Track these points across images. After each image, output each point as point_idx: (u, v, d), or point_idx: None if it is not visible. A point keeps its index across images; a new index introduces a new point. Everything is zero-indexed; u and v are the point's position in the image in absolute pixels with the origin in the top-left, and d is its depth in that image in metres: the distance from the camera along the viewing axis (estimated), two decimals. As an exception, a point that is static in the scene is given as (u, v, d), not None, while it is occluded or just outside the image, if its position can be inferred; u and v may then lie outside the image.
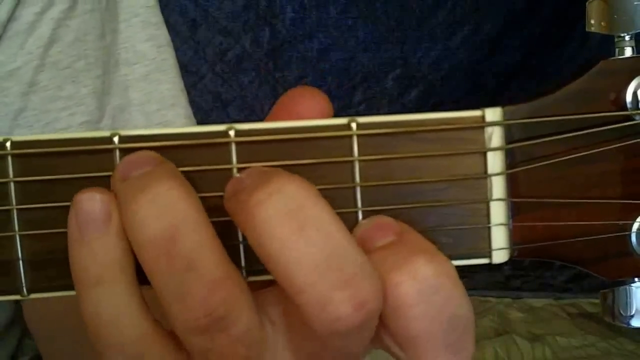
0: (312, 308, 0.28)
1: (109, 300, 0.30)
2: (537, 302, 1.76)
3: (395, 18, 1.72)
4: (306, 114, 0.33)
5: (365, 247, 0.30)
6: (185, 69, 1.71)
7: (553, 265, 1.84)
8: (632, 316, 0.35)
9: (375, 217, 0.32)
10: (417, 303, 0.29)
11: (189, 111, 0.62)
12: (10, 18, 0.55)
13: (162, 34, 0.62)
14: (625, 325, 0.35)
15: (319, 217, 0.28)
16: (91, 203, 0.30)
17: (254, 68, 1.72)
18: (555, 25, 1.70)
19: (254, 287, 0.31)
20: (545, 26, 1.71)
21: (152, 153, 0.31)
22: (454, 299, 0.30)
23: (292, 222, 0.28)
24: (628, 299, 0.35)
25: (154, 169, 0.30)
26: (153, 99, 0.60)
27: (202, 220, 0.29)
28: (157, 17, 0.62)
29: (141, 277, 0.30)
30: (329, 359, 0.31)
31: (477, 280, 1.76)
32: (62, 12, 0.56)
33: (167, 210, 0.28)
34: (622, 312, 0.35)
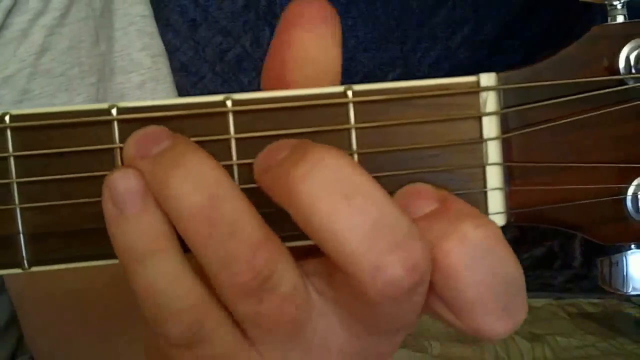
0: (364, 275, 0.28)
1: (161, 270, 0.30)
2: (537, 302, 1.76)
3: (395, 18, 1.72)
4: (309, 38, 0.32)
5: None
6: (185, 69, 1.71)
7: (553, 265, 1.84)
8: (628, 283, 0.35)
9: (412, 185, 0.32)
10: (469, 269, 0.29)
11: None
12: (2, 26, 0.55)
13: (157, 44, 0.62)
14: (622, 293, 0.35)
15: (362, 185, 0.28)
16: (126, 181, 0.30)
17: (254, 68, 1.71)
18: (555, 25, 1.70)
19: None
20: (545, 26, 1.71)
21: (161, 127, 0.31)
22: (505, 260, 0.30)
23: (337, 193, 0.28)
24: (625, 266, 0.35)
25: (174, 143, 0.30)
26: None
27: (236, 187, 0.29)
28: (151, 27, 0.62)
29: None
30: (381, 328, 0.31)
31: (477, 280, 1.75)
32: (54, 19, 0.56)
33: (203, 182, 0.29)
34: (618, 279, 0.35)
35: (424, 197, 0.31)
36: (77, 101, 0.57)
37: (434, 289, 0.30)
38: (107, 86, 0.59)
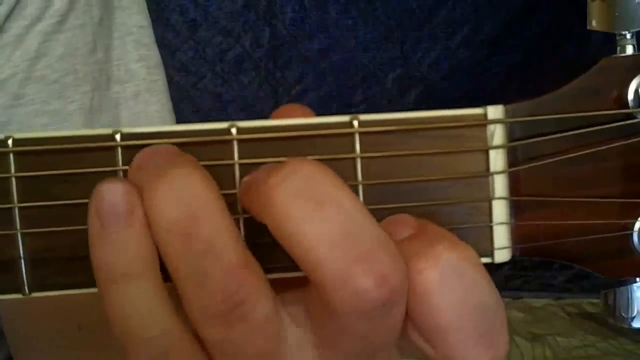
0: (332, 284, 0.28)
1: (136, 295, 0.29)
2: (537, 302, 1.76)
3: (395, 18, 1.72)
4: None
5: None
6: (185, 69, 1.71)
7: (553, 265, 1.84)
8: (633, 317, 0.34)
9: (390, 216, 0.32)
10: (442, 289, 0.29)
11: None
12: (0, 30, 0.54)
13: (154, 55, 0.62)
14: (627, 326, 0.34)
15: (334, 193, 0.28)
16: (113, 194, 0.29)
17: (254, 68, 1.71)
18: (555, 25, 1.70)
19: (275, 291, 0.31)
20: (545, 26, 1.71)
21: (171, 146, 0.31)
22: (480, 285, 0.29)
23: (309, 200, 0.28)
24: (629, 299, 0.34)
25: (172, 157, 0.30)
26: (141, 119, 0.60)
27: (221, 206, 0.29)
28: (149, 37, 0.62)
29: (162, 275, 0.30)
30: (354, 351, 0.30)
31: (477, 280, 1.75)
32: (51, 25, 0.56)
33: (186, 194, 0.28)
34: (623, 312, 0.35)
35: (403, 224, 0.31)
36: (70, 109, 0.57)
37: (409, 313, 0.29)
38: (103, 95, 0.58)
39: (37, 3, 0.55)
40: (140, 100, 0.60)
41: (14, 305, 0.56)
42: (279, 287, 0.31)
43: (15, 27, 0.55)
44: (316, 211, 0.28)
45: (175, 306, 0.30)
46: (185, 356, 0.30)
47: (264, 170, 0.30)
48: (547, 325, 1.71)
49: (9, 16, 0.54)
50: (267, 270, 0.31)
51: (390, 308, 0.28)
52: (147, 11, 0.62)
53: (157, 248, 0.30)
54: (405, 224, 0.31)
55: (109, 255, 0.29)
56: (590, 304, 1.75)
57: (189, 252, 0.28)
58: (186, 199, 0.28)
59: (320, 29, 1.72)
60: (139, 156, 0.31)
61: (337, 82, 1.72)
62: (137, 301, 0.29)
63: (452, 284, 0.29)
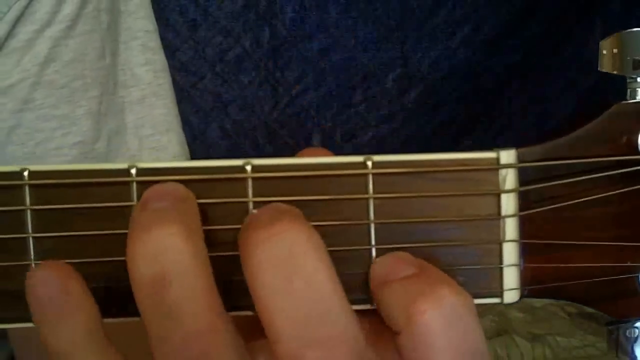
0: (282, 359, 0.28)
1: None
2: (537, 302, 1.76)
3: (395, 18, 1.72)
4: None
5: (387, 280, 0.31)
6: (185, 69, 1.71)
7: (553, 265, 1.83)
8: (634, 354, 0.36)
9: (395, 252, 0.32)
10: (442, 330, 0.29)
11: (183, 137, 0.63)
12: (9, 35, 0.55)
13: (159, 59, 0.62)
14: None
15: (310, 269, 0.28)
16: (43, 286, 0.30)
17: (254, 68, 1.71)
18: (555, 25, 1.70)
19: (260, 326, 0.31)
20: (545, 26, 1.71)
21: (177, 187, 0.31)
22: (475, 331, 0.30)
23: (282, 270, 0.28)
24: (631, 337, 0.36)
25: (169, 206, 0.30)
26: (147, 123, 0.60)
27: (198, 270, 0.29)
28: (155, 41, 0.62)
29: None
30: None
31: (477, 280, 1.75)
32: (60, 31, 0.56)
33: (161, 256, 0.28)
34: (625, 349, 0.36)
35: (405, 262, 0.32)
36: (79, 113, 0.57)
37: (402, 350, 0.30)
38: (110, 99, 0.59)
39: (47, 8, 0.55)
40: (146, 104, 0.60)
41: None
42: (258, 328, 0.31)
43: (25, 32, 0.55)
44: (285, 284, 0.28)
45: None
46: None
47: (264, 214, 0.30)
48: (547, 325, 1.71)
49: (18, 21, 0.54)
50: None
51: None
52: (153, 16, 0.62)
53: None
54: (408, 262, 0.32)
55: (50, 336, 0.30)
56: (590, 304, 1.75)
57: (153, 312, 0.29)
58: (159, 260, 0.28)
59: (320, 29, 1.72)
60: (146, 194, 0.31)
61: (337, 82, 1.72)
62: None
63: (451, 327, 0.29)
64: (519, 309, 1.81)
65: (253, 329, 0.31)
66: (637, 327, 0.35)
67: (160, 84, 0.60)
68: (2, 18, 0.53)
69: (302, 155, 0.34)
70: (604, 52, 0.35)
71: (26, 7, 0.53)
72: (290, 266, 0.28)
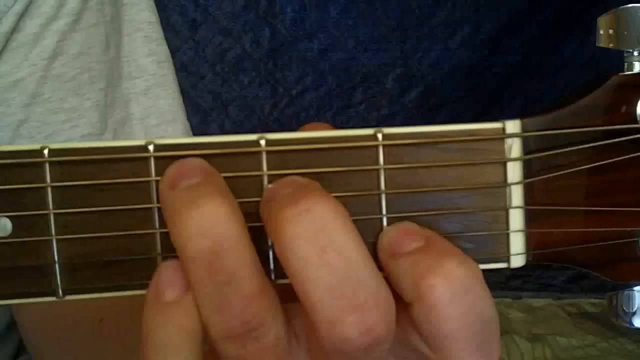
0: (322, 326, 0.29)
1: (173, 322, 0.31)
2: (537, 302, 1.76)
3: (395, 18, 1.72)
4: None
5: (395, 252, 0.32)
6: (185, 69, 1.71)
7: (553, 265, 1.83)
8: (634, 317, 0.37)
9: (400, 223, 0.33)
10: (451, 303, 0.30)
11: (188, 127, 0.63)
12: (15, 29, 0.55)
13: (163, 50, 0.63)
14: (628, 326, 0.36)
15: (341, 241, 0.30)
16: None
17: (254, 68, 1.72)
18: (555, 25, 1.70)
19: (283, 297, 0.32)
20: (545, 26, 1.72)
21: (202, 162, 0.32)
22: (484, 300, 0.31)
23: (315, 243, 0.29)
24: (631, 302, 0.37)
25: (203, 181, 0.31)
26: (153, 113, 0.61)
27: (244, 238, 0.30)
28: (158, 33, 0.63)
29: None
30: None
31: (477, 280, 1.75)
32: (67, 24, 0.56)
33: (213, 228, 0.30)
34: (625, 313, 0.37)
35: (412, 234, 0.33)
36: (86, 105, 0.57)
37: (413, 322, 0.31)
38: (115, 91, 0.59)
39: (52, 2, 0.56)
40: (151, 95, 0.61)
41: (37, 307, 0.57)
42: (288, 295, 0.32)
43: (31, 25, 0.55)
44: (319, 256, 0.29)
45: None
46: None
47: (285, 188, 0.31)
48: (547, 325, 1.71)
49: (23, 14, 0.55)
50: (277, 276, 0.33)
51: (372, 352, 0.30)
52: (155, 7, 0.62)
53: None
54: (414, 235, 0.32)
55: (158, 327, 0.31)
56: (590, 304, 1.75)
57: (212, 281, 0.30)
58: (213, 232, 0.30)
59: (320, 29, 1.72)
60: (171, 172, 0.32)
61: (337, 82, 1.72)
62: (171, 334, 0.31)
63: (460, 298, 0.31)
64: (519, 309, 1.81)
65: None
66: (635, 291, 0.36)
67: (164, 75, 0.61)
68: (7, 11, 0.53)
69: (305, 130, 0.35)
70: (601, 29, 0.36)
71: (31, 0, 0.54)
72: (322, 238, 0.29)
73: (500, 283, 1.81)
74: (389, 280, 0.32)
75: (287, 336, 0.32)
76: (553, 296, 1.79)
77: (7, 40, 0.55)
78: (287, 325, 0.32)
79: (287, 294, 0.32)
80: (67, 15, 0.56)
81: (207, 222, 0.30)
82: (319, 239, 0.29)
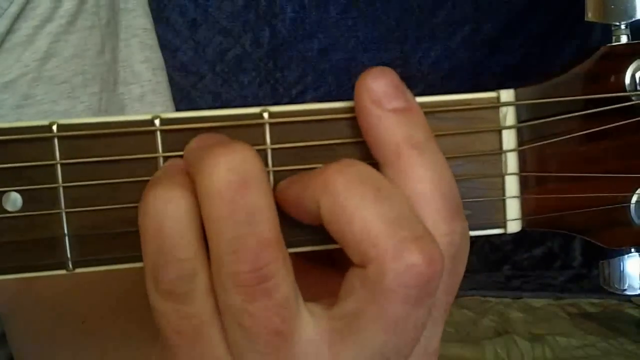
0: (387, 258, 0.30)
1: (172, 210, 0.31)
2: (537, 302, 1.76)
3: (395, 18, 1.72)
4: None
5: (379, 104, 0.33)
6: (185, 69, 1.71)
7: (553, 265, 1.84)
8: (624, 284, 0.38)
9: (383, 70, 0.34)
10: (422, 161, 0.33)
11: None
12: (10, 30, 0.55)
13: (157, 57, 0.63)
14: (620, 294, 0.37)
15: (386, 183, 0.31)
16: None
17: (254, 68, 1.72)
18: (555, 25, 1.70)
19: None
20: (545, 26, 1.72)
21: (223, 135, 0.33)
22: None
23: (368, 185, 0.31)
24: (622, 269, 0.38)
25: (226, 137, 0.33)
26: None
27: (268, 184, 0.31)
28: (153, 40, 0.63)
29: None
30: (370, 356, 0.32)
31: (477, 281, 1.76)
32: (61, 26, 0.56)
33: (242, 165, 0.30)
34: (616, 281, 0.38)
35: (396, 92, 0.34)
36: (79, 109, 0.57)
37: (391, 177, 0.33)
38: (110, 96, 0.59)
39: (47, 3, 0.55)
40: (145, 102, 0.61)
41: (15, 300, 0.56)
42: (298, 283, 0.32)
43: (25, 27, 0.55)
44: (374, 194, 0.31)
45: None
46: (207, 287, 0.32)
47: (309, 172, 0.32)
48: (547, 325, 1.72)
49: (18, 16, 0.55)
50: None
51: (426, 292, 0.31)
52: (150, 14, 0.62)
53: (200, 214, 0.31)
54: (399, 93, 0.33)
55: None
56: (590, 304, 1.75)
57: (232, 218, 0.30)
58: (241, 168, 0.30)
59: (320, 29, 1.72)
60: (197, 138, 0.33)
61: (337, 82, 1.72)
62: (173, 217, 0.31)
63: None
64: (519, 309, 1.81)
65: None
66: (626, 257, 0.37)
67: (158, 82, 0.61)
68: (2, 13, 0.53)
69: None
70: (589, 4, 0.37)
71: (27, 2, 0.54)
72: (373, 181, 0.31)
73: (500, 283, 1.81)
74: (365, 132, 0.33)
75: (297, 304, 0.31)
76: (553, 296, 1.79)
77: (2, 42, 0.55)
78: (299, 296, 0.32)
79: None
80: (62, 17, 0.56)
81: (237, 160, 0.30)
82: (370, 182, 0.31)
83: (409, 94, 0.33)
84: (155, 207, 0.31)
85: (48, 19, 0.56)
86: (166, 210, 0.31)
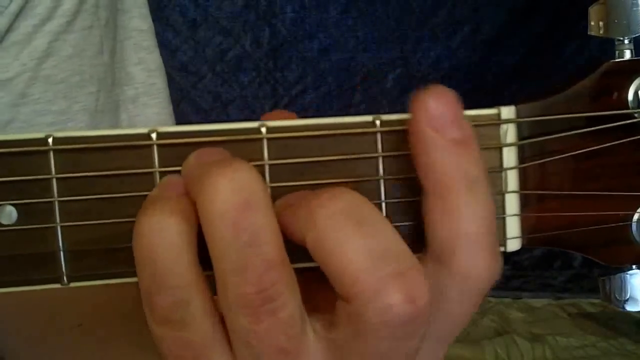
0: (365, 296, 0.30)
1: (166, 233, 0.31)
2: (537, 302, 1.76)
3: (395, 18, 1.72)
4: None
5: (438, 131, 0.32)
6: (185, 69, 1.71)
7: (553, 265, 1.84)
8: (626, 301, 0.37)
9: (444, 92, 0.33)
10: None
11: None
12: (9, 28, 0.55)
13: (153, 58, 0.63)
14: (621, 309, 0.37)
15: (373, 216, 0.31)
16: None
17: (254, 68, 1.72)
18: (555, 25, 1.70)
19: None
20: (545, 26, 1.72)
21: (221, 149, 0.33)
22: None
23: (352, 219, 0.30)
24: (623, 285, 0.37)
25: (227, 155, 0.32)
26: (140, 122, 0.61)
27: (270, 204, 0.31)
28: (149, 41, 0.62)
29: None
30: None
31: (477, 280, 1.75)
32: (60, 25, 0.56)
33: (244, 186, 0.30)
34: (617, 297, 0.38)
35: (454, 120, 0.33)
36: (75, 109, 0.57)
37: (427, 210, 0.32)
38: (107, 96, 0.59)
39: (47, 2, 0.55)
40: (139, 103, 0.61)
41: (5, 299, 0.57)
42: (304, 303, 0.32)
43: (24, 25, 0.55)
44: (356, 229, 0.30)
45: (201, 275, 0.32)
46: (204, 311, 0.31)
47: (302, 195, 0.32)
48: (547, 325, 1.71)
49: (18, 15, 0.55)
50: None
51: (412, 328, 0.30)
52: (148, 15, 0.62)
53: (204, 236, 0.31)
54: (457, 120, 0.33)
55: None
56: (590, 304, 1.75)
57: (236, 240, 0.30)
58: (243, 189, 0.30)
59: (320, 29, 1.72)
60: (193, 155, 0.32)
61: (337, 82, 1.72)
62: (167, 241, 0.31)
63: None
64: (519, 309, 1.81)
65: None
66: (628, 274, 0.37)
67: (153, 84, 0.61)
68: (3, 12, 0.53)
69: (265, 119, 0.35)
70: (592, 18, 0.37)
71: (27, 1, 0.54)
72: (358, 215, 0.30)
73: (500, 283, 1.80)
74: (415, 158, 0.32)
75: (303, 322, 0.31)
76: (553, 296, 1.79)
77: (1, 40, 0.55)
78: (304, 313, 0.32)
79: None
80: (62, 16, 0.56)
81: (237, 180, 0.30)
82: (354, 215, 0.30)
83: (465, 122, 0.32)
84: (149, 234, 0.31)
85: (48, 18, 0.56)
86: (159, 237, 0.31)
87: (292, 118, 0.35)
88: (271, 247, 0.30)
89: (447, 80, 1.71)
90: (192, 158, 0.33)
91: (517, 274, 1.77)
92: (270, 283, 0.30)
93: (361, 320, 0.30)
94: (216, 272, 0.31)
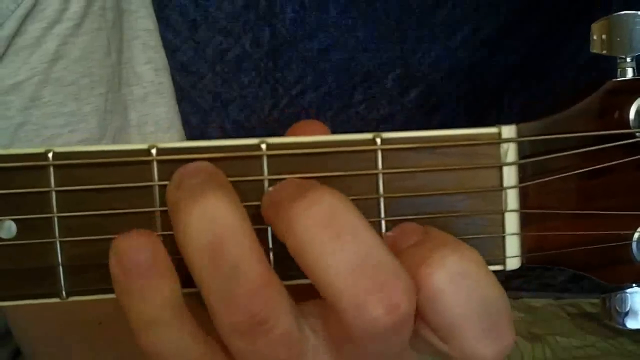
0: (348, 311, 0.30)
1: (168, 338, 0.31)
2: (537, 302, 1.76)
3: (395, 18, 1.72)
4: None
5: (394, 250, 0.32)
6: (185, 69, 1.71)
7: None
8: (627, 318, 0.38)
9: (400, 224, 0.34)
10: (448, 289, 0.31)
11: (183, 135, 0.64)
12: (17, 32, 0.55)
13: (160, 58, 0.63)
14: (622, 327, 0.38)
15: (353, 225, 0.30)
16: (135, 252, 0.31)
17: (254, 68, 1.72)
18: (555, 25, 1.70)
19: (296, 299, 0.32)
20: (545, 26, 1.72)
21: (207, 164, 0.33)
22: (483, 282, 0.32)
23: (329, 230, 0.30)
24: (623, 303, 0.38)
25: (206, 179, 0.31)
26: (150, 121, 0.61)
27: (246, 231, 0.31)
28: (155, 40, 0.63)
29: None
30: None
31: (477, 280, 1.75)
32: (68, 28, 0.56)
33: (214, 222, 0.30)
34: (618, 315, 0.38)
35: (411, 232, 0.33)
36: (86, 110, 0.58)
37: (420, 314, 0.32)
38: (115, 97, 0.59)
39: (55, 5, 0.56)
40: (148, 103, 0.61)
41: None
42: (301, 296, 0.32)
43: (33, 29, 0.55)
44: (335, 241, 0.30)
45: (206, 329, 0.32)
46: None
47: (287, 189, 0.32)
48: (547, 325, 1.71)
49: (26, 18, 0.55)
50: (291, 277, 0.33)
51: (400, 329, 0.31)
52: (154, 15, 0.63)
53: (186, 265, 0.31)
54: (413, 232, 0.33)
55: (136, 306, 0.31)
56: (590, 304, 1.75)
57: (217, 274, 0.30)
58: (213, 226, 0.30)
59: (320, 29, 1.72)
60: (178, 174, 0.32)
61: (337, 82, 1.72)
62: (172, 344, 0.31)
63: (457, 283, 0.31)
64: (519, 309, 1.81)
65: None
66: (628, 294, 0.37)
67: (161, 82, 0.61)
68: (10, 15, 0.53)
69: (296, 128, 0.35)
70: (595, 35, 0.36)
71: (34, 4, 0.54)
72: (335, 225, 0.30)
73: (500, 283, 1.81)
74: None
75: (300, 329, 0.32)
76: (553, 296, 1.79)
77: (9, 44, 0.55)
78: (300, 319, 0.32)
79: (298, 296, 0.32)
80: (70, 19, 0.56)
81: (208, 216, 0.30)
82: (333, 225, 0.30)
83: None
84: (149, 337, 0.31)
85: (56, 21, 0.56)
86: (161, 339, 0.31)
87: (321, 127, 0.35)
88: (253, 274, 0.30)
89: (447, 80, 1.72)
90: (175, 178, 0.32)
91: (517, 274, 1.77)
92: (259, 308, 0.30)
93: (348, 333, 0.30)
94: (205, 300, 0.31)
